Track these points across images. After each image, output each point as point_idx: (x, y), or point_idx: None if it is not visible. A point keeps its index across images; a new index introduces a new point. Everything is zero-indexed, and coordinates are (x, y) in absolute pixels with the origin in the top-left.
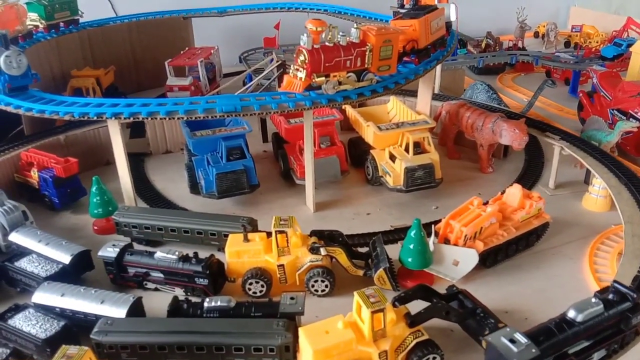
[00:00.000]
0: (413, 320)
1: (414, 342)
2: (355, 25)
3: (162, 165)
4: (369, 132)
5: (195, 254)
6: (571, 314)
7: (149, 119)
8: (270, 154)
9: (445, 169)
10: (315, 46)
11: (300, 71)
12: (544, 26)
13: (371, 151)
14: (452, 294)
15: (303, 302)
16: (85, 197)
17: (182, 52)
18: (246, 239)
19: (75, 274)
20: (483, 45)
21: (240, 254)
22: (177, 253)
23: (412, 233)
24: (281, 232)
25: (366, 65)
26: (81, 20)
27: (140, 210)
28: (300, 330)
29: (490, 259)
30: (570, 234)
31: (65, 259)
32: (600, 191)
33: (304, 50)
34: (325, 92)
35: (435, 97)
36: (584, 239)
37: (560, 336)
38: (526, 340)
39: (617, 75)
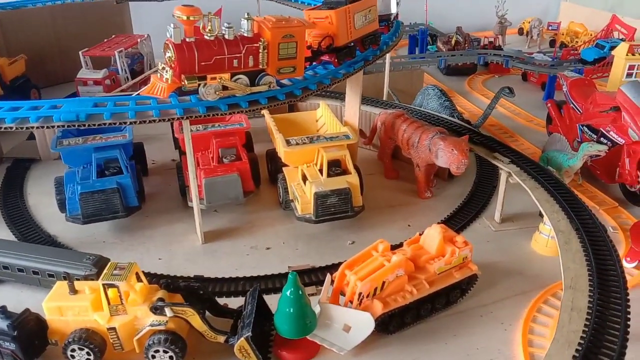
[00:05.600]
0: None
1: None
2: (246, 15)
3: (47, 174)
4: (279, 146)
5: (3, 307)
6: None
7: None
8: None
9: (376, 190)
10: (188, 39)
11: (167, 71)
12: (528, 22)
13: (284, 168)
14: None
15: None
16: None
17: (105, 40)
18: (73, 290)
19: None
20: (453, 42)
21: (63, 310)
22: None
23: (288, 292)
24: (111, 285)
25: (261, 66)
26: None
27: None
28: None
29: (395, 322)
30: (508, 287)
31: None
32: (552, 231)
33: (170, 45)
34: (204, 98)
35: (381, 104)
36: (523, 294)
37: None
38: None
39: (592, 83)
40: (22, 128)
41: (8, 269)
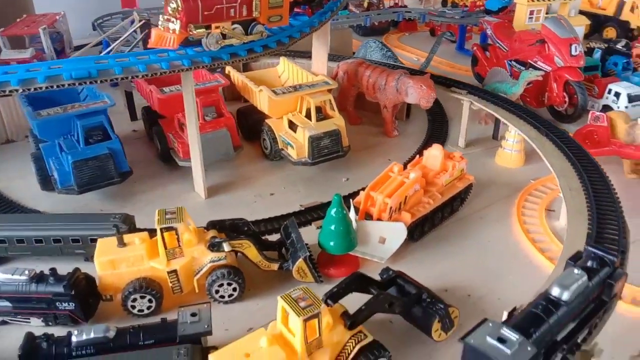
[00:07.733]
0: (353, 321)
1: (357, 347)
2: None
3: (3, 158)
4: (262, 98)
5: (53, 270)
6: (555, 291)
7: None
8: (141, 134)
9: (348, 135)
10: None
11: (173, 22)
12: None
13: (267, 121)
14: (389, 279)
15: (209, 317)
16: None
17: (18, 19)
18: (122, 243)
19: None
20: (366, 4)
21: (116, 263)
22: (27, 272)
23: (333, 212)
24: (169, 229)
25: (254, 15)
26: None
27: None
28: (211, 358)
29: (418, 231)
30: (491, 195)
31: None
32: (514, 145)
33: None
34: (207, 48)
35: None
36: (506, 198)
37: (550, 322)
38: (517, 337)
39: (510, 25)
40: (29, 89)
41: (23, 242)
